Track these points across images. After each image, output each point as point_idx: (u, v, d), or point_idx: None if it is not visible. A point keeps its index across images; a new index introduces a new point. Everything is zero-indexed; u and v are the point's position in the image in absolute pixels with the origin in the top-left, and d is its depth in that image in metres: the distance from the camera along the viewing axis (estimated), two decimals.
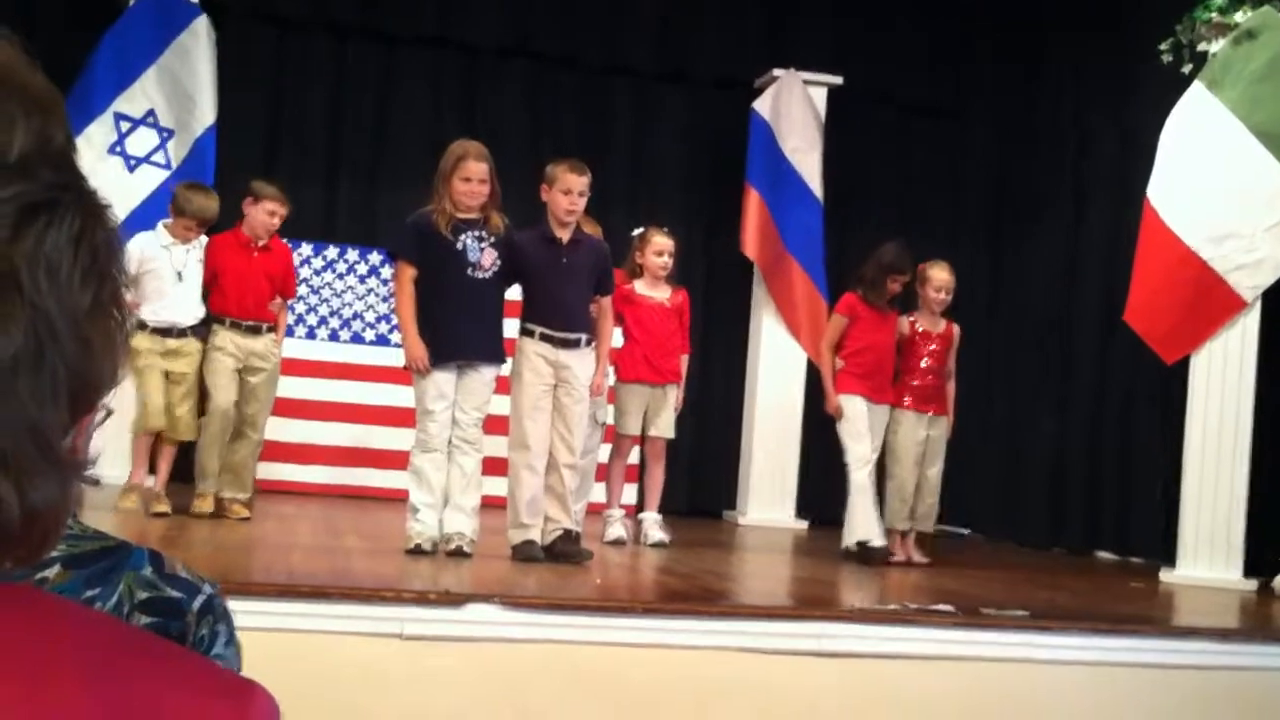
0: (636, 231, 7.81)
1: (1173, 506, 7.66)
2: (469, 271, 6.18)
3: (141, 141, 8.67)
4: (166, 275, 7.09)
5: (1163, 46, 7.88)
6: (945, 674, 5.10)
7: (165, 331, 7.07)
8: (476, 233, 6.21)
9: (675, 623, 5.01)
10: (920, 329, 7.69)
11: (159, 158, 8.68)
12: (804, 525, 9.46)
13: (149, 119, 8.68)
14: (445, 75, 9.94)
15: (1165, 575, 7.50)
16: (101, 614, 0.99)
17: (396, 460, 9.08)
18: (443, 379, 6.14)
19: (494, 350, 6.31)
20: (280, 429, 8.43)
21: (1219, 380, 7.56)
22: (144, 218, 8.39)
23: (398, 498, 8.83)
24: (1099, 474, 9.19)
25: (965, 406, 8.39)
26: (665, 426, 7.65)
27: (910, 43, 10.25)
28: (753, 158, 9.85)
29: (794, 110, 9.76)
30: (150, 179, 8.62)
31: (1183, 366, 7.70)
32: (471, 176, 6.17)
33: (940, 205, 10.26)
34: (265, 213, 7.11)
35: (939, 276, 7.65)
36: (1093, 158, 9.45)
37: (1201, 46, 7.77)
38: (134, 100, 8.66)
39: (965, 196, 10.35)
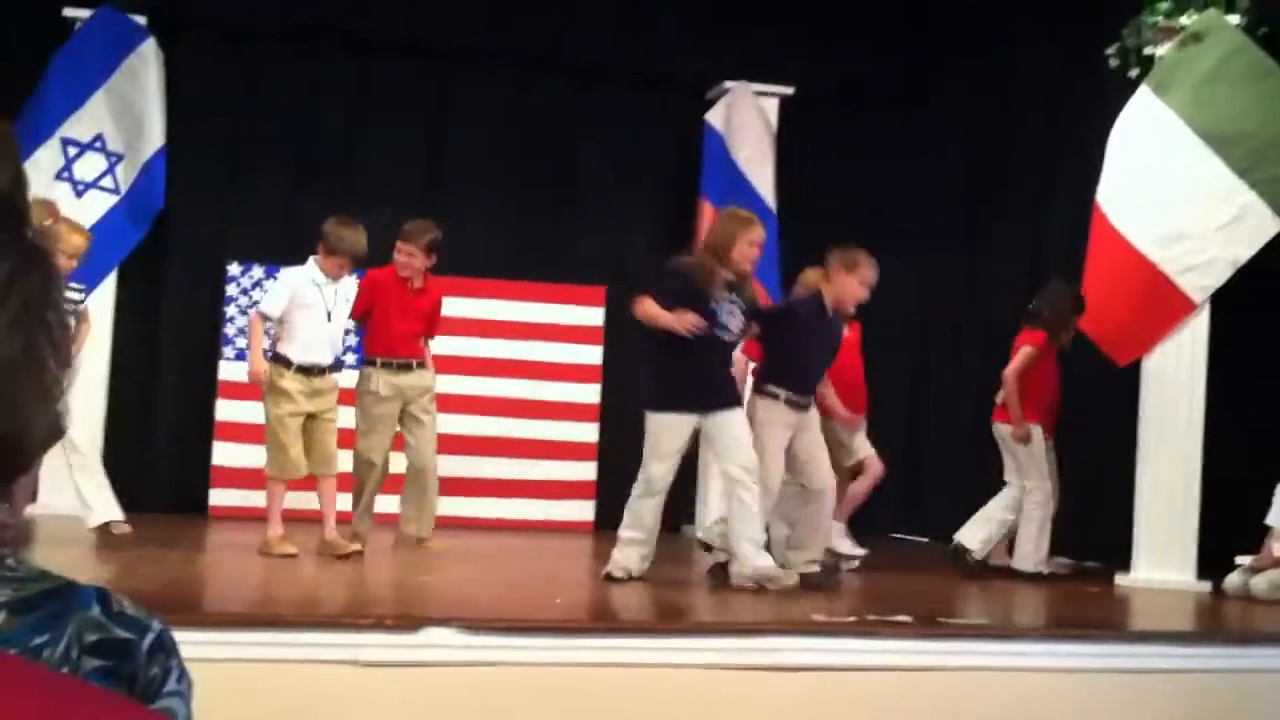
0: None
1: (1128, 510, 7.69)
2: (716, 331, 6.28)
3: (90, 166, 8.61)
4: (318, 313, 6.98)
5: (1110, 51, 7.92)
6: (905, 684, 5.11)
7: (309, 370, 6.95)
8: (732, 295, 6.33)
9: (635, 641, 5.01)
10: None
11: (107, 182, 8.61)
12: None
13: (97, 143, 8.61)
14: (413, 83, 9.78)
15: (1121, 579, 7.54)
16: (45, 671, 0.97)
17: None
18: (679, 422, 6.27)
19: (734, 396, 6.48)
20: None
21: (1171, 383, 7.60)
22: (93, 243, 8.32)
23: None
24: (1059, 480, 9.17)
25: (942, 409, 8.34)
26: None
27: (871, 48, 10.07)
28: (707, 170, 9.81)
29: (746, 121, 9.75)
30: (99, 204, 8.56)
31: (1136, 370, 7.74)
32: (757, 241, 6.36)
33: (902, 212, 10.18)
34: (403, 254, 7.16)
35: None
36: (1063, 161, 9.29)
37: (1148, 50, 7.82)
38: (82, 124, 8.59)
39: (928, 203, 10.27)
